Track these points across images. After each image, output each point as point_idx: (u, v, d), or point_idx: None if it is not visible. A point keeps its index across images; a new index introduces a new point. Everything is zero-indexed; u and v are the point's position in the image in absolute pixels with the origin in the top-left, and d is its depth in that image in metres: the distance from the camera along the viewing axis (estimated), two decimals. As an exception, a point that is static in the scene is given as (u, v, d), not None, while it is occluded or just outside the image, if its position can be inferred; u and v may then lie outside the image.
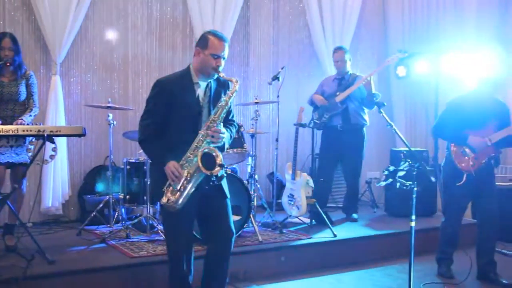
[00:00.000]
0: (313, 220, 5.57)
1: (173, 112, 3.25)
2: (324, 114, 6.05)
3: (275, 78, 5.78)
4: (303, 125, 5.62)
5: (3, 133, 4.11)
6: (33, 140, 4.57)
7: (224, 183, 3.39)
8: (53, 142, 4.31)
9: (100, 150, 6.24)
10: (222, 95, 3.35)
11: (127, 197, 5.34)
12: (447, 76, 6.91)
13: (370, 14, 7.90)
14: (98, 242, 4.95)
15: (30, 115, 4.61)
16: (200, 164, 3.11)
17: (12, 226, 4.72)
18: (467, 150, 4.57)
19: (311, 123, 6.01)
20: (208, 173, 3.13)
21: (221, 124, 3.29)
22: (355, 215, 6.19)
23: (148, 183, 5.16)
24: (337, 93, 6.02)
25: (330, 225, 5.37)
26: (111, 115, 5.39)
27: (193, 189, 3.18)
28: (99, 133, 6.17)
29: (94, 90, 6.22)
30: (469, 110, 4.57)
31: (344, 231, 5.50)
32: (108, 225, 5.46)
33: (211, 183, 3.20)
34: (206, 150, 3.16)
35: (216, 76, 3.30)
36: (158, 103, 3.28)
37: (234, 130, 3.53)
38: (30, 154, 4.60)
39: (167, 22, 6.61)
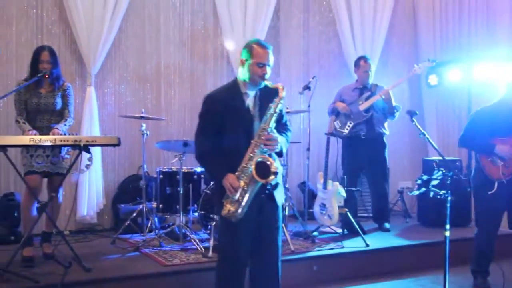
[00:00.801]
0: (345, 230, 5.54)
1: (226, 124, 3.28)
2: (347, 123, 6.04)
3: (306, 87, 5.82)
4: (334, 135, 5.62)
5: (41, 143, 4.22)
6: (69, 150, 4.66)
7: (278, 191, 3.37)
8: (88, 152, 4.40)
9: (133, 159, 6.34)
10: (270, 103, 3.33)
11: (160, 206, 5.41)
12: (480, 85, 6.83)
13: (400, 22, 7.86)
14: (132, 251, 5.02)
15: (65, 125, 4.71)
16: (255, 174, 3.14)
17: (50, 234, 4.82)
18: (496, 158, 4.50)
19: (333, 132, 5.99)
20: (263, 181, 3.16)
21: (274, 130, 3.28)
22: (387, 225, 6.14)
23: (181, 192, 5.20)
24: (360, 102, 6.01)
25: (362, 235, 5.34)
26: (144, 125, 5.47)
27: (250, 199, 3.20)
28: (132, 143, 6.27)
29: (127, 101, 6.33)
30: (498, 117, 4.51)
31: (376, 241, 5.45)
32: (142, 234, 5.53)
33: (266, 191, 3.25)
34: (259, 159, 3.18)
35: (263, 84, 3.31)
36: (210, 117, 3.33)
37: (289, 134, 3.52)
38: (66, 163, 4.71)
39: (199, 33, 6.70)
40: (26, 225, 4.60)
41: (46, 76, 4.53)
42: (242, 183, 3.18)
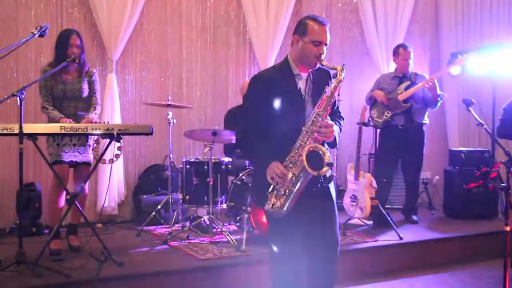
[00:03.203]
0: (375, 222, 5.39)
1: (274, 108, 2.95)
2: (385, 112, 5.86)
3: (334, 76, 5.62)
4: (366, 124, 5.45)
5: (73, 131, 4.02)
6: (97, 138, 4.46)
7: (331, 185, 3.06)
8: (119, 141, 4.21)
9: (154, 149, 6.15)
10: (326, 86, 3.00)
11: (187, 197, 5.23)
12: (503, 74, 6.68)
13: (422, 9, 7.65)
14: (160, 244, 4.84)
15: (95, 113, 4.52)
16: (306, 164, 2.80)
17: (76, 226, 4.64)
18: None
19: (370, 121, 5.83)
20: (315, 173, 2.79)
21: (328, 117, 2.95)
22: (415, 217, 5.99)
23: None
24: (399, 91, 5.84)
25: (395, 228, 5.19)
26: (170, 113, 5.28)
27: (299, 193, 2.87)
28: (154, 131, 6.04)
29: (148, 88, 6.14)
30: None
31: (408, 234, 5.29)
32: (168, 226, 5.36)
33: (319, 185, 2.90)
34: (312, 148, 2.86)
35: (318, 65, 2.99)
36: (256, 100, 3.00)
37: (342, 123, 3.19)
38: (93, 153, 4.52)
39: (221, 18, 6.50)
40: (54, 217, 4.41)
41: (76, 61, 4.31)
42: (290, 175, 2.86)
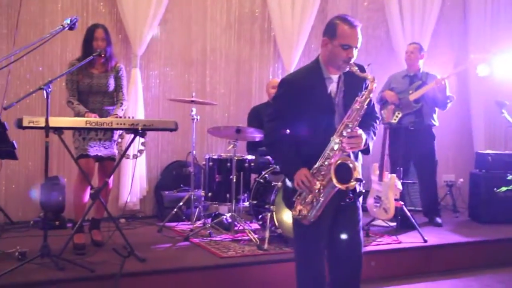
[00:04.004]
0: (398, 224, 5.33)
1: (303, 112, 2.87)
2: (395, 113, 5.78)
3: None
4: (392, 124, 5.38)
5: (98, 126, 4.02)
6: (122, 133, 4.45)
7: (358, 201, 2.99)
8: (143, 136, 4.20)
9: (176, 145, 6.14)
10: (359, 92, 2.89)
11: (209, 194, 5.20)
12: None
13: (450, 9, 7.53)
14: (182, 240, 4.82)
15: (122, 109, 4.52)
16: (334, 177, 2.71)
17: (99, 220, 4.64)
18: None
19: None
20: (343, 187, 2.73)
21: (357, 127, 2.82)
22: (438, 220, 5.90)
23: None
24: (410, 91, 5.75)
25: (419, 230, 5.10)
26: (194, 109, 5.27)
27: (325, 203, 2.81)
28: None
29: (172, 84, 6.12)
30: None
31: (432, 237, 5.19)
32: (189, 222, 5.34)
33: (347, 200, 2.82)
34: (340, 161, 2.76)
35: (347, 69, 2.87)
36: (285, 103, 2.92)
37: (377, 124, 3.09)
38: (118, 147, 4.52)
39: (246, 15, 6.46)
40: (78, 211, 4.41)
41: (102, 55, 4.31)
42: (317, 185, 2.77)
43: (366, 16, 7.17)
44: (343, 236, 2.96)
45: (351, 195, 2.84)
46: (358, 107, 2.81)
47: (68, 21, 3.70)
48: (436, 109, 5.90)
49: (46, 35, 3.69)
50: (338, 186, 2.73)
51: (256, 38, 6.51)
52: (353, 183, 2.76)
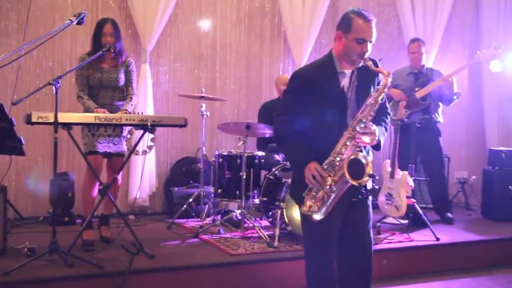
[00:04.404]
0: (410, 221, 5.26)
1: (315, 107, 2.82)
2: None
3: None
4: (403, 121, 5.31)
5: (107, 122, 3.99)
6: (131, 129, 4.42)
7: (369, 182, 2.90)
8: (152, 132, 4.16)
9: (186, 141, 6.11)
10: (372, 87, 2.87)
11: (219, 191, 5.16)
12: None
13: (462, 3, 7.43)
14: (191, 237, 4.78)
15: (132, 104, 4.49)
16: (346, 173, 2.66)
17: (108, 217, 4.62)
18: None
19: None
20: (355, 183, 2.68)
21: (371, 122, 2.77)
22: (450, 215, 5.84)
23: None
24: (416, 89, 5.68)
25: (431, 228, 5.04)
26: (204, 105, 5.23)
27: (337, 199, 2.75)
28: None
29: (182, 80, 6.08)
30: None
31: (444, 235, 5.12)
32: (199, 219, 5.31)
33: (360, 196, 2.79)
34: (353, 156, 2.70)
35: (361, 64, 2.83)
36: (297, 97, 2.86)
37: (388, 120, 3.04)
38: (127, 143, 4.49)
39: (256, 10, 6.40)
40: (87, 208, 4.40)
41: (112, 50, 4.27)
42: (329, 180, 2.71)
43: (378, 11, 7.08)
44: (353, 234, 2.91)
45: (363, 191, 2.81)
46: (372, 102, 2.76)
47: (76, 15, 3.65)
48: (440, 104, 5.84)
49: (54, 30, 3.63)
50: (351, 182, 2.68)
51: (266, 33, 6.45)
52: (365, 178, 2.71)
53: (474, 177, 7.07)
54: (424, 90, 5.64)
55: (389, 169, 5.27)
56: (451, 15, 7.22)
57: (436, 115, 5.79)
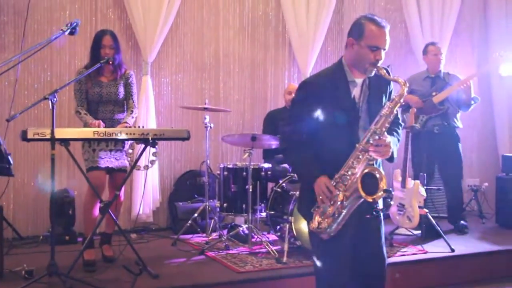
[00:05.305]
0: (423, 232, 5.12)
1: (324, 117, 2.67)
2: (419, 116, 5.54)
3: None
4: (414, 128, 5.14)
5: (107, 136, 3.84)
6: (133, 143, 4.26)
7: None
8: (154, 146, 4.01)
9: (190, 154, 5.95)
10: (384, 97, 2.74)
11: (224, 205, 5.00)
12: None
13: (469, 5, 7.27)
14: (197, 254, 4.61)
15: (132, 117, 4.34)
16: (360, 188, 2.52)
17: (110, 235, 4.46)
18: None
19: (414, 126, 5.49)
20: (370, 199, 2.54)
21: (385, 133, 2.63)
22: (463, 222, 5.65)
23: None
24: (433, 93, 5.51)
25: (446, 239, 4.85)
26: (207, 117, 5.08)
27: (348, 215, 2.60)
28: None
29: (184, 91, 5.92)
30: None
31: (459, 245, 4.93)
32: (205, 235, 5.14)
33: (374, 213, 2.62)
34: (367, 170, 2.56)
35: (374, 73, 2.67)
36: (305, 107, 2.71)
37: (400, 131, 2.90)
38: (128, 158, 4.33)
39: (259, 18, 6.24)
40: (88, 226, 4.23)
41: (110, 62, 4.13)
42: (340, 195, 2.57)
43: (384, 16, 6.92)
44: (366, 246, 2.75)
45: (377, 207, 2.64)
46: (387, 112, 2.60)
47: (68, 25, 3.50)
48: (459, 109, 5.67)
49: (44, 40, 3.49)
50: (365, 197, 2.53)
51: (270, 42, 6.29)
52: (380, 194, 2.55)
53: (486, 184, 6.87)
54: (442, 95, 5.47)
55: (400, 178, 5.10)
56: (459, 18, 7.07)
57: (455, 120, 5.63)
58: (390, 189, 2.62)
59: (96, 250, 4.31)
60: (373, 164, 2.62)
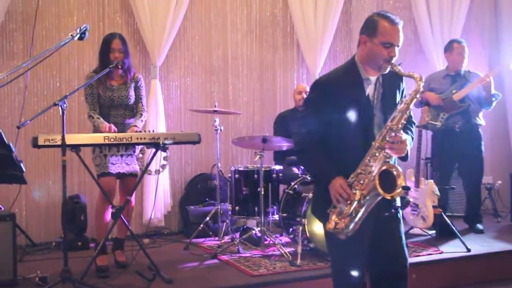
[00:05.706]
0: (438, 232, 5.05)
1: (339, 117, 2.63)
2: (440, 114, 5.46)
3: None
4: (426, 127, 5.08)
5: (117, 141, 3.82)
6: (143, 148, 4.24)
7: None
8: (165, 151, 3.99)
9: (201, 157, 5.92)
10: (397, 94, 2.71)
11: (236, 208, 4.96)
12: None
13: (480, 3, 7.20)
14: (210, 258, 4.58)
15: (142, 121, 4.32)
16: (379, 186, 2.47)
17: (122, 240, 4.43)
18: None
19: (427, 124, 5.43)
20: (388, 197, 2.49)
21: (401, 131, 2.59)
22: (480, 226, 5.55)
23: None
24: (454, 91, 5.43)
25: (461, 239, 4.78)
26: (217, 119, 5.05)
27: (366, 214, 2.56)
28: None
29: (193, 94, 5.91)
30: None
31: (474, 245, 4.86)
32: (217, 238, 5.12)
33: (393, 210, 2.59)
34: (384, 167, 2.52)
35: (388, 70, 2.65)
36: (319, 107, 2.68)
37: (414, 129, 2.85)
38: (139, 163, 4.31)
39: (267, 20, 6.22)
40: (100, 232, 4.21)
41: (120, 66, 4.11)
42: (357, 194, 2.54)
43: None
44: (386, 245, 2.71)
45: (395, 205, 2.61)
46: (404, 108, 2.57)
47: (78, 30, 3.48)
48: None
49: (54, 46, 3.47)
50: (384, 195, 2.49)
51: (278, 43, 6.26)
52: (398, 191, 2.51)
53: (499, 182, 6.79)
54: (462, 92, 5.37)
55: (413, 178, 5.05)
56: (468, 16, 7.00)
57: (478, 118, 5.52)
58: (408, 185, 2.57)
59: (108, 256, 4.29)
60: (389, 162, 2.58)
